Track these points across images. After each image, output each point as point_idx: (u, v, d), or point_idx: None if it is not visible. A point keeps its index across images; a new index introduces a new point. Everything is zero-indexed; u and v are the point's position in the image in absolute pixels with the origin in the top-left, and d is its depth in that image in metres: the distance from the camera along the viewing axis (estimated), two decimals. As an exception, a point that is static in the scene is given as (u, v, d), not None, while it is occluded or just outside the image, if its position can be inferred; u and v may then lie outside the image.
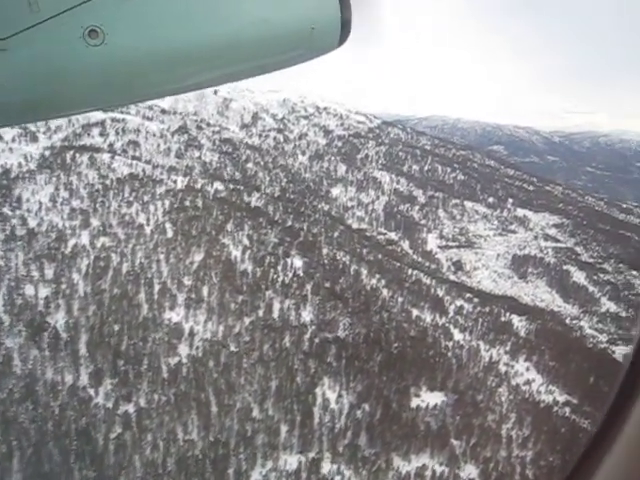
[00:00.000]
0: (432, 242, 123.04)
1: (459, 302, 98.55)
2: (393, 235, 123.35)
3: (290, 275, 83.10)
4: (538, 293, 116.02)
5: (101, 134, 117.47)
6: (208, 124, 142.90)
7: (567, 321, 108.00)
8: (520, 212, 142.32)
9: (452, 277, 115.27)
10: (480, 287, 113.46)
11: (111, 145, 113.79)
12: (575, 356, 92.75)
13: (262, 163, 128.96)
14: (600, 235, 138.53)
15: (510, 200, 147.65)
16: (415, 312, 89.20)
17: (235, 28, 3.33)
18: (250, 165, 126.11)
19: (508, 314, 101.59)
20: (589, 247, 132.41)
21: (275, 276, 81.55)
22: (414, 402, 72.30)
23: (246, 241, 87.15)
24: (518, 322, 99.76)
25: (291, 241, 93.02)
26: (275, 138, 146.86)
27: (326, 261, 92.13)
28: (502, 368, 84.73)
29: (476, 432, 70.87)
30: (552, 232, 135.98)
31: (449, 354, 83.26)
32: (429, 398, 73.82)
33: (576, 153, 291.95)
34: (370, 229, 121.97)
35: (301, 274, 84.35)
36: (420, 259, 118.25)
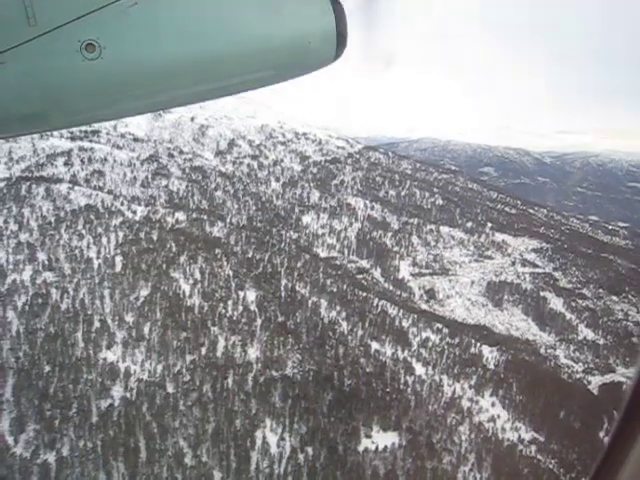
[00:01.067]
0: (405, 270, 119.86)
1: (426, 333, 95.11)
2: (365, 263, 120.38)
3: (240, 309, 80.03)
4: (513, 321, 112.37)
5: (66, 164, 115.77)
6: (181, 152, 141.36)
7: (542, 351, 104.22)
8: (499, 237, 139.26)
9: (424, 306, 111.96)
10: (452, 316, 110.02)
11: (74, 175, 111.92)
12: (546, 389, 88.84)
13: (232, 191, 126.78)
14: (581, 259, 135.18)
15: (489, 224, 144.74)
16: (375, 346, 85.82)
17: (232, 42, 3.36)
18: (219, 193, 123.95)
19: (479, 345, 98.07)
20: (568, 272, 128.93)
21: (223, 311, 78.50)
22: (363, 444, 68.55)
23: (198, 274, 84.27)
24: (488, 353, 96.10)
25: (247, 273, 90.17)
26: (249, 165, 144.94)
27: (283, 293, 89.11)
28: (465, 404, 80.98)
29: (429, 476, 66.98)
30: (531, 257, 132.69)
31: (408, 390, 79.67)
32: (381, 439, 70.08)
33: (567, 174, 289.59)
34: (340, 257, 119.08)
35: (252, 308, 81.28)
36: (391, 287, 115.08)
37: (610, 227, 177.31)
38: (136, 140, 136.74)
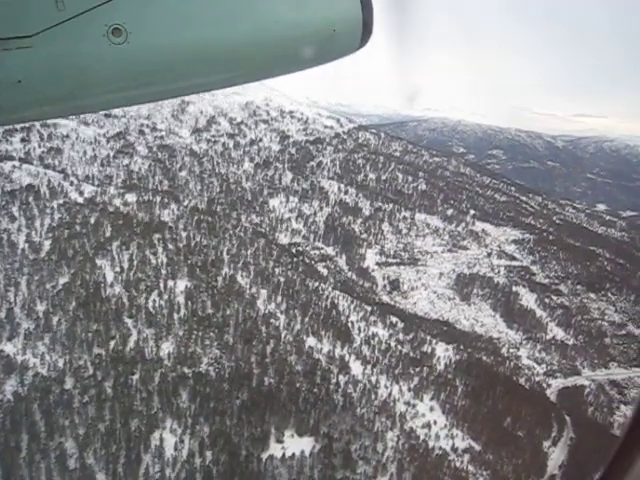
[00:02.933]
0: (371, 258, 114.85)
1: (375, 329, 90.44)
2: (330, 250, 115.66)
3: (163, 301, 76.26)
4: (480, 317, 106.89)
5: (23, 140, 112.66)
6: (154, 129, 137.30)
7: (503, 350, 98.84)
8: (479, 226, 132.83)
9: (385, 298, 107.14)
10: (414, 310, 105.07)
11: (28, 153, 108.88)
12: (495, 393, 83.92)
13: (198, 172, 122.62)
14: (564, 252, 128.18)
15: (472, 212, 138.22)
16: (310, 342, 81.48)
17: (257, 28, 3.39)
18: (183, 174, 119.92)
19: (434, 342, 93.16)
20: (547, 266, 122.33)
21: (144, 302, 74.80)
22: (271, 450, 64.76)
23: (126, 262, 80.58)
24: (442, 352, 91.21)
25: (184, 261, 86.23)
26: (224, 144, 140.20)
27: (220, 284, 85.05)
28: (400, 408, 76.55)
29: (337, 487, 63.07)
30: (510, 249, 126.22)
31: (337, 392, 75.34)
32: (294, 445, 66.21)
33: (578, 159, 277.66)
34: (304, 243, 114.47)
35: (178, 300, 77.44)
36: (354, 277, 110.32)
37: (607, 218, 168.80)
38: (107, 116, 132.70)
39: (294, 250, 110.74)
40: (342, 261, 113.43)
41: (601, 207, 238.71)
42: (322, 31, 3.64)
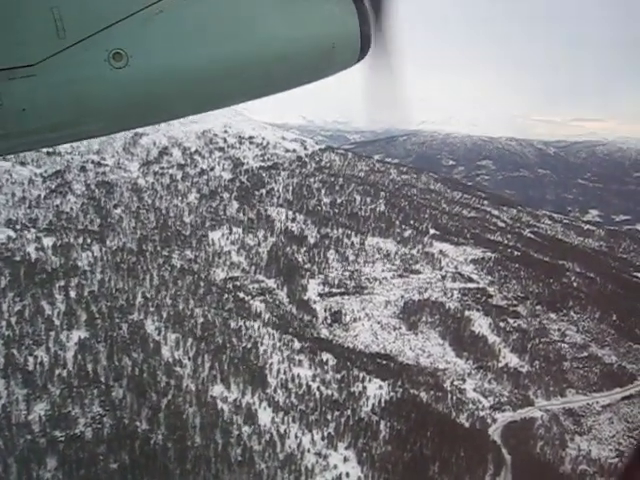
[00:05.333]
0: (313, 289, 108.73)
1: (298, 369, 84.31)
2: (271, 283, 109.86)
3: (49, 356, 71.20)
4: (427, 347, 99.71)
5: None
6: (99, 164, 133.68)
7: (447, 383, 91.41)
8: (438, 246, 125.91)
9: (324, 331, 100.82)
10: (354, 343, 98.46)
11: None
12: (425, 436, 76.84)
13: (134, 207, 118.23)
14: (529, 269, 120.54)
15: (432, 232, 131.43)
16: (217, 390, 75.66)
17: (257, 47, 3.44)
18: (118, 211, 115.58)
19: (367, 379, 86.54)
20: (506, 286, 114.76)
21: (23, 360, 69.84)
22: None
23: (14, 316, 75.92)
24: (375, 390, 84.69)
25: (86, 309, 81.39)
26: (172, 176, 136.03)
27: (124, 332, 79.86)
28: (309, 460, 69.92)
29: None
30: (467, 269, 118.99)
31: (239, 445, 69.17)
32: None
33: (570, 165, 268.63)
34: (243, 277, 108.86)
35: (66, 354, 72.35)
36: (294, 310, 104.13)
37: (586, 227, 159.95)
38: (50, 154, 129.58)
39: (230, 285, 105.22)
40: (283, 294, 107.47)
41: (593, 212, 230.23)
42: (321, 46, 3.63)
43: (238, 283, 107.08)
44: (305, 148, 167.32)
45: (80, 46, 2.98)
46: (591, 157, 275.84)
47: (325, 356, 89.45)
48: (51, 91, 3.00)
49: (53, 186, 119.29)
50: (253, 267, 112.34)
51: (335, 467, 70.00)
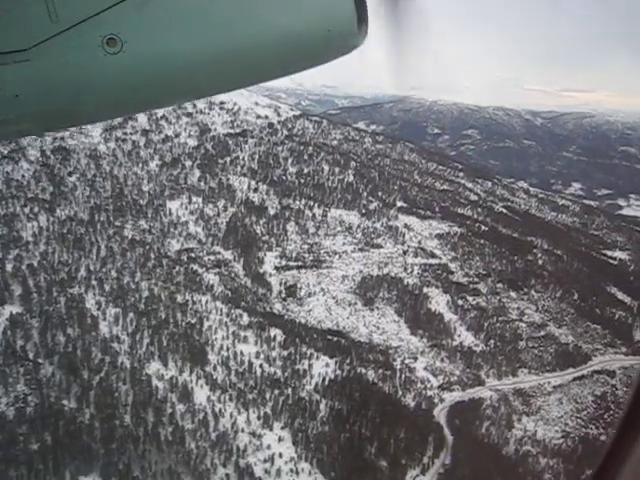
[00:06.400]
0: (269, 262, 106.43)
1: (242, 346, 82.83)
2: (228, 255, 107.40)
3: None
4: (382, 323, 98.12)
5: None
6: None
7: (397, 362, 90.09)
8: (403, 220, 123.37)
9: (277, 306, 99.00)
10: (307, 318, 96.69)
11: None
12: (367, 416, 75.74)
13: (91, 175, 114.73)
14: (494, 246, 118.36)
15: (399, 204, 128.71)
16: (154, 368, 74.06)
17: (252, 33, 3.43)
18: (73, 179, 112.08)
19: (315, 356, 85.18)
20: (469, 263, 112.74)
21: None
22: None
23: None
24: (321, 368, 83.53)
25: (22, 282, 79.00)
26: (134, 142, 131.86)
27: (60, 307, 77.69)
28: (242, 440, 68.73)
29: None
30: (431, 244, 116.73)
31: (170, 424, 67.81)
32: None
33: (556, 137, 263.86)
34: (198, 249, 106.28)
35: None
36: (249, 284, 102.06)
37: (561, 203, 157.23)
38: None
39: (184, 257, 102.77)
40: (239, 266, 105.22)
41: (576, 186, 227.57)
42: (317, 32, 3.58)
43: (193, 255, 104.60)
44: (278, 115, 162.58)
45: (74, 31, 2.90)
46: (578, 129, 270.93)
47: (274, 332, 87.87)
48: (44, 77, 2.92)
49: (5, 152, 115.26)
50: (210, 238, 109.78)
51: (269, 447, 68.97)
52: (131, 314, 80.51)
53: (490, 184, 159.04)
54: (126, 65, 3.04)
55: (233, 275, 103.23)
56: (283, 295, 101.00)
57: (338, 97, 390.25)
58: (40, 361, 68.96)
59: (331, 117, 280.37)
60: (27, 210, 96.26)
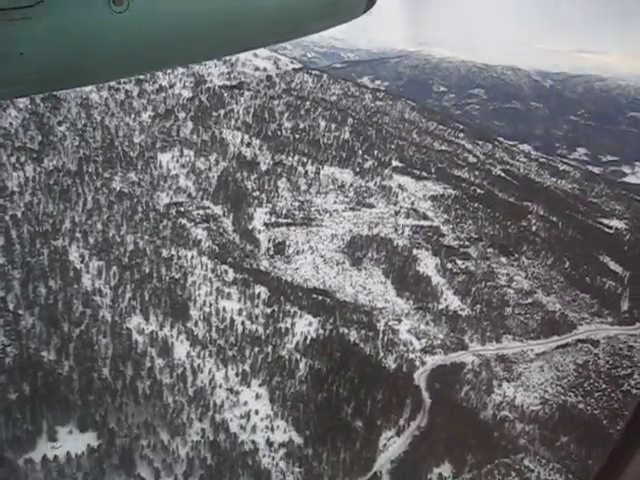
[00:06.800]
0: (259, 218, 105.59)
1: (225, 302, 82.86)
2: (218, 209, 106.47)
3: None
4: (368, 284, 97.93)
5: None
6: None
7: (381, 323, 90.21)
8: (398, 180, 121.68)
9: (264, 263, 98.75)
10: (293, 276, 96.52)
11: None
12: (345, 376, 76.17)
13: (81, 124, 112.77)
14: (488, 210, 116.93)
15: (395, 164, 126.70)
16: (134, 322, 74.25)
17: None
18: (62, 128, 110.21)
19: (298, 315, 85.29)
20: (461, 226, 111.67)
21: None
22: (38, 451, 58.50)
23: None
24: (304, 327, 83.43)
25: (4, 234, 78.50)
26: (128, 92, 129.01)
27: (43, 259, 77.43)
28: (219, 396, 69.45)
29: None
30: (424, 206, 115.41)
31: (149, 378, 68.42)
32: (69, 443, 59.88)
33: (565, 99, 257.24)
34: (188, 203, 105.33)
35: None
36: (237, 240, 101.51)
37: (562, 168, 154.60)
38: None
39: (173, 211, 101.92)
40: (228, 221, 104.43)
41: (581, 151, 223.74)
42: None
43: (182, 209, 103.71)
44: (277, 67, 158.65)
45: None
46: (588, 93, 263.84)
47: (259, 289, 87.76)
48: (49, 34, 2.87)
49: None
50: (200, 193, 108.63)
51: (245, 404, 69.73)
52: (114, 267, 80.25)
53: (491, 146, 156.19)
54: (132, 24, 2.95)
55: (222, 230, 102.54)
56: (271, 252, 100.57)
57: (345, 50, 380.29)
58: (20, 312, 69.03)
59: (335, 71, 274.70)
60: (13, 160, 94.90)
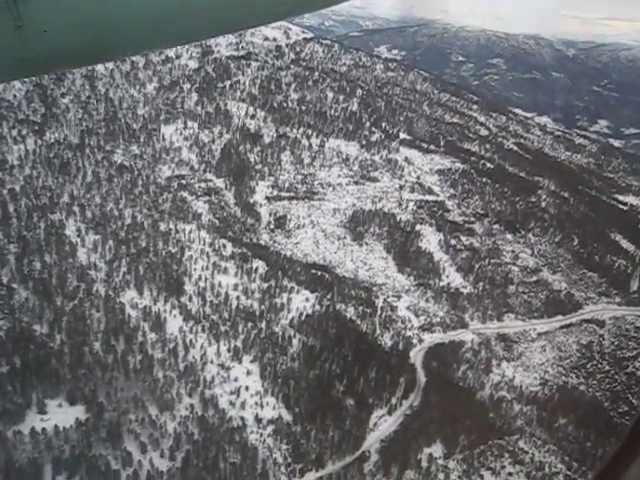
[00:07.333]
0: (261, 192, 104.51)
1: (222, 277, 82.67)
2: (220, 182, 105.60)
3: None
4: (369, 259, 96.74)
5: None
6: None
7: (380, 299, 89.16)
8: (405, 153, 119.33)
9: (264, 237, 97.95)
10: (293, 251, 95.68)
11: None
12: (340, 353, 75.78)
13: (85, 96, 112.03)
14: (497, 185, 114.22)
15: (402, 137, 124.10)
16: (128, 296, 74.35)
17: None
18: (66, 100, 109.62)
19: (295, 290, 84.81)
20: (467, 201, 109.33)
21: None
22: (27, 423, 59.24)
23: None
24: (300, 303, 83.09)
25: (2, 207, 78.71)
26: (133, 63, 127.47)
27: (40, 232, 77.60)
28: (210, 371, 69.63)
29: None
30: (430, 180, 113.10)
31: (141, 352, 68.69)
32: (58, 416, 60.55)
33: (588, 69, 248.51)
34: (190, 176, 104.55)
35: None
36: (238, 213, 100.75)
37: (578, 142, 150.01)
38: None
39: (175, 184, 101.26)
40: (230, 195, 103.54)
41: (602, 123, 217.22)
42: None
43: (184, 182, 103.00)
44: (288, 37, 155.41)
45: None
46: (613, 62, 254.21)
47: (257, 264, 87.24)
48: (72, 11, 2.89)
49: None
50: (203, 165, 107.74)
51: (236, 380, 69.68)
52: (110, 241, 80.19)
53: (505, 119, 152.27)
54: (142, 2, 3.00)
55: (223, 204, 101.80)
56: (272, 226, 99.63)
57: (363, 18, 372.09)
58: (14, 287, 69.37)
59: (352, 40, 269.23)
60: (15, 132, 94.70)
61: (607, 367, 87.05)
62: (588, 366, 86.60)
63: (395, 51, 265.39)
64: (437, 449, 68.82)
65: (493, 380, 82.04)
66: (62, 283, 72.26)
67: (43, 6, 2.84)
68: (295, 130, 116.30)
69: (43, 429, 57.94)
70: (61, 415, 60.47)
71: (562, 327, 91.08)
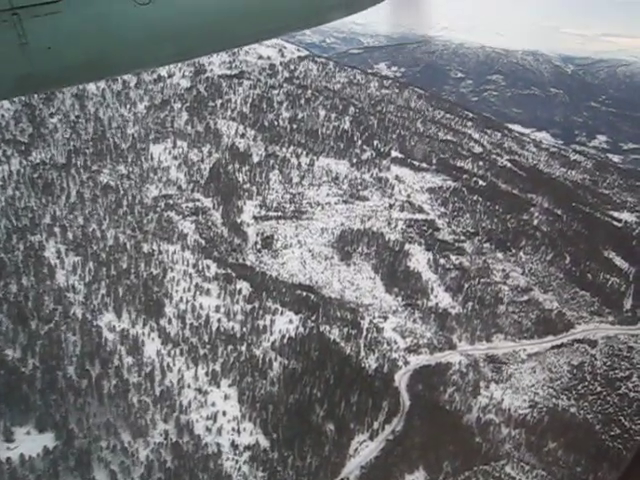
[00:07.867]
0: (248, 211, 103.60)
1: (203, 299, 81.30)
2: (208, 202, 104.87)
3: None
4: (357, 280, 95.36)
5: None
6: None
7: (365, 321, 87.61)
8: (395, 171, 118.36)
9: (251, 257, 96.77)
10: (279, 271, 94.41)
11: None
12: (321, 376, 74.25)
13: (74, 116, 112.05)
14: (488, 203, 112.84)
15: (394, 155, 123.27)
16: (106, 319, 73.20)
17: None
18: (54, 120, 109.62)
19: (280, 312, 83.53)
20: (458, 220, 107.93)
21: None
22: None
23: None
24: (283, 325, 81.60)
25: (-21, 227, 78.13)
26: (125, 82, 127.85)
27: (18, 254, 76.86)
28: (187, 396, 68.14)
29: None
30: (421, 198, 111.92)
31: (116, 377, 67.36)
32: (27, 444, 59.16)
33: (586, 85, 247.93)
34: (177, 196, 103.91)
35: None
36: (225, 233, 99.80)
37: (573, 158, 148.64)
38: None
39: (162, 204, 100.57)
40: (217, 214, 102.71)
41: (601, 138, 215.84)
42: None
43: (171, 202, 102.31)
44: (282, 55, 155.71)
45: None
46: (610, 78, 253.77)
47: (240, 285, 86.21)
48: (75, 28, 2.91)
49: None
50: (191, 185, 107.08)
51: (213, 404, 68.29)
52: (91, 263, 79.30)
53: (500, 135, 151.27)
54: (156, 16, 2.98)
55: (210, 224, 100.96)
56: (258, 246, 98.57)
57: (364, 35, 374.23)
58: (-12, 309, 68.42)
59: (352, 56, 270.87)
60: (0, 153, 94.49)
61: (599, 388, 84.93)
62: (579, 387, 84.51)
63: (394, 68, 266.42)
64: (419, 476, 67.00)
65: (481, 403, 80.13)
66: (38, 306, 71.25)
67: (47, 23, 2.84)
68: (285, 149, 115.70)
69: (8, 458, 56.54)
70: (28, 443, 59.10)
71: (553, 347, 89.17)
